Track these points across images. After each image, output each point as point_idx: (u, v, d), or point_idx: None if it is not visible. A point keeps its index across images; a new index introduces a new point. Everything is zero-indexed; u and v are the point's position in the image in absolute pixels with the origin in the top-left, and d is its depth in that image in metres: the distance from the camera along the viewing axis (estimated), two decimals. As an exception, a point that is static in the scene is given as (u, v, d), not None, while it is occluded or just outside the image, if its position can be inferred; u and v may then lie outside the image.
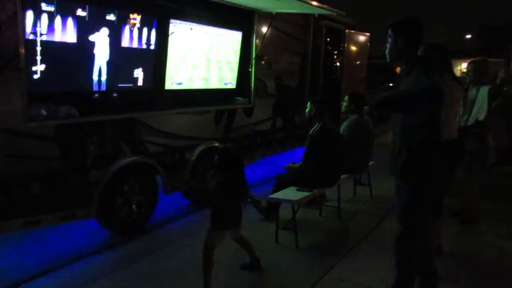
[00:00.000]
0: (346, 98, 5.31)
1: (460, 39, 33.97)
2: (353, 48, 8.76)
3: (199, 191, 4.85)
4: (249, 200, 3.40)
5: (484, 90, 4.29)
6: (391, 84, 12.75)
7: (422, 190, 2.62)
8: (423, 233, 2.74)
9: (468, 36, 35.78)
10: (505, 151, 5.30)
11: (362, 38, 9.01)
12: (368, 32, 9.23)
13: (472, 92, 4.35)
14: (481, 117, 4.28)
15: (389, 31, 2.67)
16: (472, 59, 4.52)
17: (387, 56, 2.72)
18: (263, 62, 6.34)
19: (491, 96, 4.30)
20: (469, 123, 4.35)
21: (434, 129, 2.60)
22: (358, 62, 8.98)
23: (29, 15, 3.51)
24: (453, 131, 3.52)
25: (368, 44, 9.28)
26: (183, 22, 4.96)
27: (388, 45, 2.69)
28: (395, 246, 2.72)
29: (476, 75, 4.37)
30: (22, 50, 3.41)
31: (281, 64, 6.83)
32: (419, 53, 3.33)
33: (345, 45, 8.42)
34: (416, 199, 2.63)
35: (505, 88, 5.32)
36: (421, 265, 2.84)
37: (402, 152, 2.62)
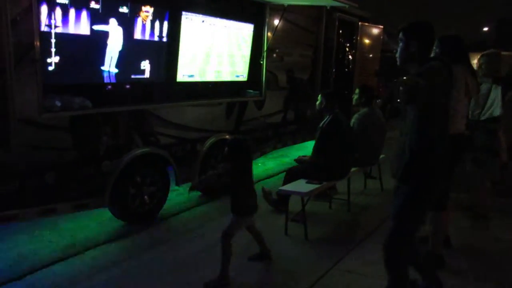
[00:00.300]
0: (357, 91, 5.30)
1: (478, 31, 33.32)
2: (366, 41, 8.68)
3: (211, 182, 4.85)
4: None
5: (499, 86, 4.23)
6: (404, 78, 12.64)
7: (422, 192, 2.59)
8: (415, 232, 2.72)
9: (486, 29, 35.11)
10: None
11: (375, 30, 8.92)
12: (381, 25, 9.14)
13: (486, 85, 4.29)
14: (497, 112, 4.22)
15: (401, 34, 2.66)
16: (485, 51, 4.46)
17: (398, 59, 2.70)
18: (274, 55, 6.34)
19: (504, 90, 4.24)
20: (483, 118, 4.30)
21: (439, 127, 2.57)
22: (371, 55, 8.90)
23: (44, 8, 3.58)
24: (461, 125, 3.49)
25: (381, 37, 9.19)
26: (195, 14, 4.99)
27: (399, 49, 2.68)
28: (385, 242, 2.69)
29: (490, 68, 4.31)
30: (37, 43, 3.48)
31: (293, 56, 6.81)
32: (434, 46, 3.31)
33: (358, 38, 8.36)
34: (414, 200, 2.60)
35: None
36: (416, 259, 2.85)
37: (406, 152, 2.60)
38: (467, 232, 4.32)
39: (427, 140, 2.54)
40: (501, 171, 4.64)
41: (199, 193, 5.42)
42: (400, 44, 2.66)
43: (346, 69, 8.44)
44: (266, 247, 3.64)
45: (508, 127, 4.39)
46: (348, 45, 8.40)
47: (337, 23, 7.68)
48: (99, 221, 4.58)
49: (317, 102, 4.69)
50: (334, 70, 7.86)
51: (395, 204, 2.67)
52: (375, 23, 9.02)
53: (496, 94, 4.24)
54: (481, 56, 4.42)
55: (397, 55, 2.70)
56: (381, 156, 5.43)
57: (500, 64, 4.39)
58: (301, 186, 4.30)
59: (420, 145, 2.54)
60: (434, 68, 2.46)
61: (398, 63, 2.71)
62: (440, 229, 3.48)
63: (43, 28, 3.60)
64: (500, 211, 4.79)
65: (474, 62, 4.87)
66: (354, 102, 5.36)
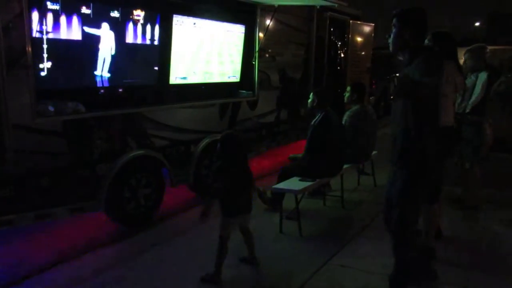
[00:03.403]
0: (348, 88, 5.36)
1: (470, 26, 33.51)
2: (358, 38, 8.75)
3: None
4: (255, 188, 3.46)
5: (483, 76, 4.32)
6: (397, 74, 12.73)
7: (416, 176, 2.67)
8: (417, 217, 2.81)
9: (477, 24, 35.28)
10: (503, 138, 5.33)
11: (366, 28, 8.99)
12: (373, 23, 9.22)
13: (470, 79, 4.39)
14: (477, 101, 4.32)
15: (394, 20, 2.68)
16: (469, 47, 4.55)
17: (391, 45, 2.72)
18: (266, 55, 6.38)
19: (490, 82, 4.32)
20: (467, 110, 4.40)
21: (429, 117, 2.65)
22: (362, 53, 8.98)
23: (35, 14, 3.62)
24: (450, 118, 3.58)
25: (373, 35, 9.27)
26: (186, 17, 5.03)
27: (392, 35, 2.70)
28: (392, 230, 2.79)
29: (474, 63, 4.41)
30: (29, 48, 3.51)
31: (285, 56, 6.86)
32: (426, 41, 3.38)
33: (349, 36, 8.42)
34: (411, 184, 2.68)
35: (503, 77, 5.32)
36: (414, 248, 2.93)
37: (397, 140, 2.69)
38: (458, 223, 4.40)
39: (418, 129, 2.61)
40: (485, 162, 4.73)
41: (193, 194, 5.46)
42: (393, 30, 2.68)
43: (339, 67, 8.51)
44: (253, 253, 3.61)
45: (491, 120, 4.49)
46: (339, 43, 8.46)
47: (328, 21, 7.73)
48: (95, 224, 4.61)
49: (309, 100, 4.74)
50: (326, 68, 7.92)
51: (394, 190, 2.73)
52: (367, 20, 9.10)
53: (480, 86, 4.33)
54: (466, 51, 4.51)
55: (390, 41, 2.72)
56: (374, 152, 5.49)
57: (484, 58, 4.46)
58: (294, 183, 4.35)
59: (411, 133, 2.62)
60: (430, 62, 2.51)
61: (390, 49, 2.74)
62: (433, 222, 3.55)
63: (35, 34, 3.64)
64: (489, 202, 4.88)
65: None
66: (345, 99, 5.42)
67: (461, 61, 4.69)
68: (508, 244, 3.95)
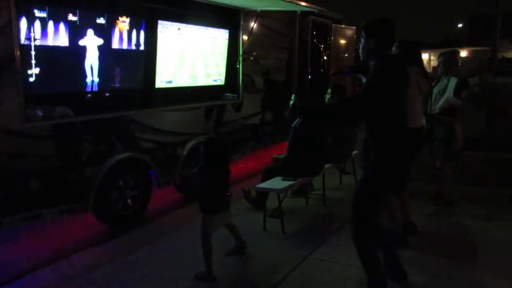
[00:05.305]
0: (329, 91, 5.54)
1: (452, 28, 34.19)
2: (340, 41, 8.97)
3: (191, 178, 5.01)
4: (228, 193, 3.64)
5: (453, 81, 4.55)
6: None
7: (375, 178, 2.83)
8: (375, 217, 2.94)
9: (460, 25, 36.01)
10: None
11: (348, 31, 9.22)
12: (355, 26, 9.45)
13: (443, 82, 4.63)
14: (445, 105, 4.56)
15: (362, 32, 2.88)
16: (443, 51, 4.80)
17: (360, 54, 2.95)
18: (250, 58, 6.54)
19: (461, 86, 4.54)
20: (437, 112, 4.63)
21: (391, 122, 2.81)
22: (345, 55, 9.20)
23: (23, 21, 3.73)
24: (419, 120, 3.81)
25: (355, 37, 9.50)
26: (170, 22, 5.17)
27: (361, 45, 2.91)
28: (352, 233, 2.92)
29: (447, 66, 4.65)
30: (18, 55, 3.62)
31: (269, 60, 7.04)
32: (393, 49, 3.61)
33: (332, 39, 8.63)
34: (369, 184, 2.85)
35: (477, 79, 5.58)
36: (381, 244, 3.10)
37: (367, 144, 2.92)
38: (433, 219, 4.60)
39: (379, 133, 2.80)
40: (457, 160, 4.96)
41: (181, 195, 5.58)
42: (362, 41, 2.89)
43: (322, 70, 8.71)
44: (241, 238, 3.82)
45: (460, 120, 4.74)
46: (322, 46, 8.67)
47: (310, 25, 7.93)
48: (84, 225, 4.70)
49: (291, 102, 4.91)
50: (309, 70, 8.11)
51: (359, 188, 2.92)
52: (350, 23, 9.35)
53: (450, 90, 4.56)
54: (440, 55, 4.75)
55: (360, 51, 2.95)
56: (354, 152, 5.68)
57: (456, 62, 4.72)
58: (277, 183, 4.51)
59: (373, 138, 2.80)
60: (378, 73, 2.70)
61: (361, 58, 2.96)
62: (405, 208, 3.91)
63: (23, 41, 3.75)
64: (464, 198, 5.07)
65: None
66: (326, 101, 5.60)
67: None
68: (482, 238, 4.12)
